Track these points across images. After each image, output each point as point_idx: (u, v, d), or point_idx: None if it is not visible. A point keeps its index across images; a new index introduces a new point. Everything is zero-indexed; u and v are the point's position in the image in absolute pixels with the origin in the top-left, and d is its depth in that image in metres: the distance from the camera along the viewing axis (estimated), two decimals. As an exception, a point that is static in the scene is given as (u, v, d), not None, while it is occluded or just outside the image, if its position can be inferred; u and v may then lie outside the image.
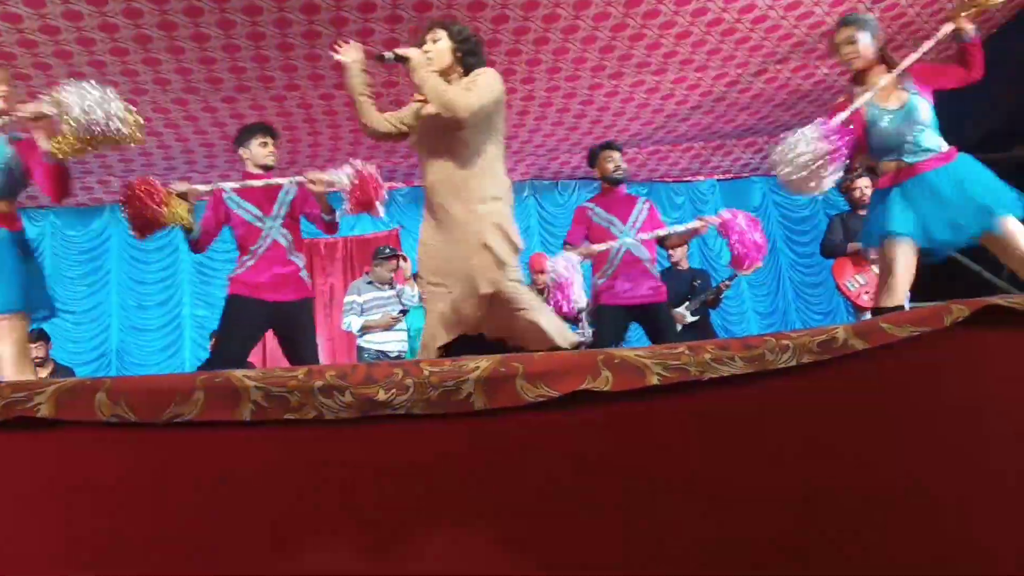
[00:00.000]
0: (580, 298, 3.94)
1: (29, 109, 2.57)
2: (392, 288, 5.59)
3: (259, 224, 3.53)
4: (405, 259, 5.77)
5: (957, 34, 2.78)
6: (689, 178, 8.00)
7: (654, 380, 1.29)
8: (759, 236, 3.96)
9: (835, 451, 1.39)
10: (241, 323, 3.51)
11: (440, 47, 2.60)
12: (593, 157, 4.33)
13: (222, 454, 1.20)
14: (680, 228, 4.22)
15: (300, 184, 3.43)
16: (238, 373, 1.23)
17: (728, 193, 8.10)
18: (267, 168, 3.64)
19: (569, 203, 7.87)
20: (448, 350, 2.53)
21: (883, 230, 2.85)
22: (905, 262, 2.80)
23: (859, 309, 4.91)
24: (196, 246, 3.57)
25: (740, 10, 4.85)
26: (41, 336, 5.34)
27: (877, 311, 2.83)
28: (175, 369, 6.36)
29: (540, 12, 4.63)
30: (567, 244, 4.27)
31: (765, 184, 8.17)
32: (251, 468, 1.21)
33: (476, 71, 2.59)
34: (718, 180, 8.13)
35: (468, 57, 2.63)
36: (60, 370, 5.43)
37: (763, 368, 1.34)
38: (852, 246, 4.85)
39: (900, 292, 2.81)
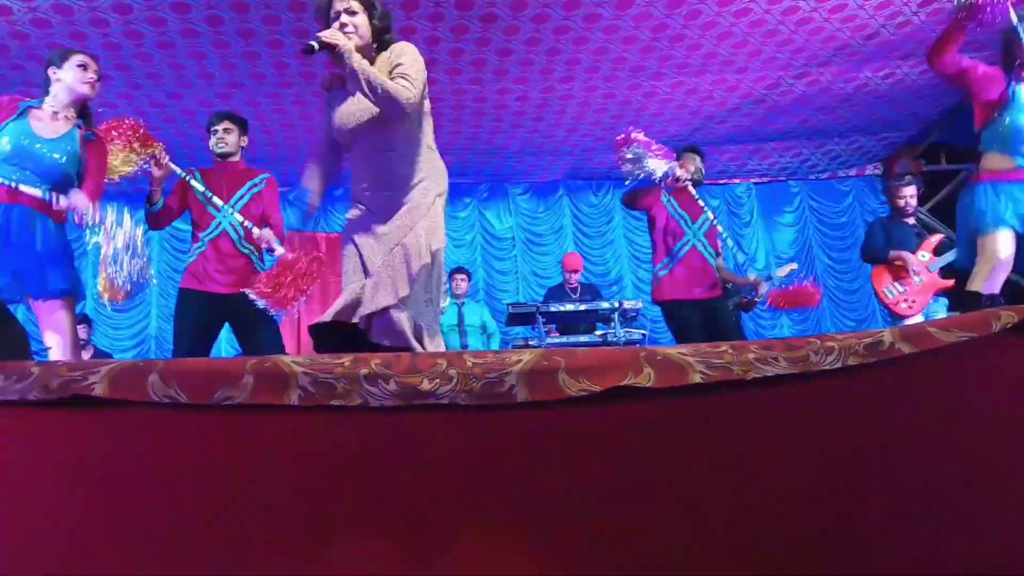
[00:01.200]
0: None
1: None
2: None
3: (213, 212, 3.48)
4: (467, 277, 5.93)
5: None
6: (725, 181, 7.93)
7: (696, 378, 1.29)
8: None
9: (881, 455, 1.37)
10: (191, 318, 3.47)
11: (358, 21, 2.37)
12: (676, 156, 4.34)
13: (269, 438, 1.23)
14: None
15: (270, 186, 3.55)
16: (286, 358, 1.25)
17: (764, 197, 8.02)
18: (223, 156, 3.60)
19: (603, 203, 7.85)
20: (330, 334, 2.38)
21: (998, 219, 2.98)
22: (1010, 253, 2.97)
23: (897, 317, 4.86)
24: (155, 220, 3.52)
25: (783, 12, 4.79)
26: (84, 320, 5.48)
27: (968, 296, 3.02)
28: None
29: (581, 12, 4.63)
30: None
31: (802, 188, 8.08)
32: (296, 453, 1.24)
33: (395, 47, 2.42)
34: (754, 183, 8.05)
35: (384, 32, 2.44)
36: (99, 354, 5.55)
37: (807, 369, 1.33)
38: (894, 253, 4.79)
39: (998, 281, 2.99)
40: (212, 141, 3.60)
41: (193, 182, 3.43)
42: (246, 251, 3.52)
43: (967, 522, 1.34)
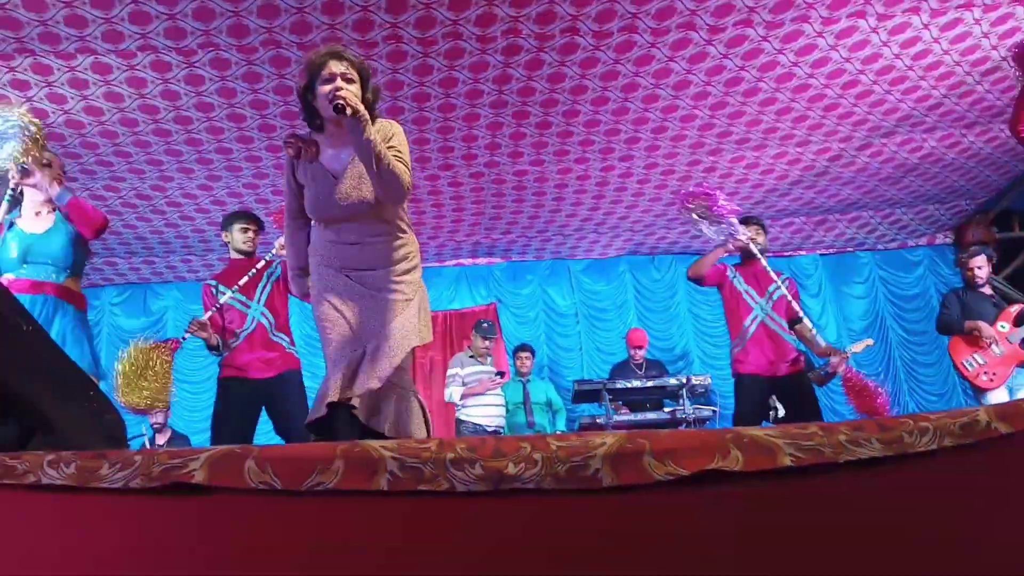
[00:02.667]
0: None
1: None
2: (491, 361, 5.68)
3: (244, 310, 3.75)
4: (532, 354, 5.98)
5: None
6: (790, 253, 7.85)
7: (786, 461, 1.26)
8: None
9: (982, 540, 1.31)
10: (234, 404, 3.70)
11: (354, 90, 2.28)
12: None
13: (360, 523, 1.24)
14: (821, 341, 4.13)
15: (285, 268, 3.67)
16: (374, 443, 1.28)
17: (832, 268, 7.89)
18: (247, 254, 3.87)
19: (665, 278, 7.83)
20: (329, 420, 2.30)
21: None
22: None
23: (978, 390, 4.67)
24: (218, 349, 3.80)
25: (843, 86, 4.82)
26: (161, 402, 5.63)
27: None
28: (279, 441, 6.57)
29: (640, 93, 4.74)
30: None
31: (871, 259, 7.92)
32: (385, 538, 1.24)
33: (383, 124, 2.37)
34: (821, 255, 7.93)
35: (371, 106, 2.35)
36: (176, 437, 5.69)
37: (902, 451, 1.29)
38: (970, 324, 4.65)
39: None
40: (240, 239, 3.87)
41: (228, 300, 3.74)
42: (277, 339, 3.80)
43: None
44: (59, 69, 4.00)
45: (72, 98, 4.27)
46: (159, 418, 5.55)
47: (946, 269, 7.81)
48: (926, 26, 4.27)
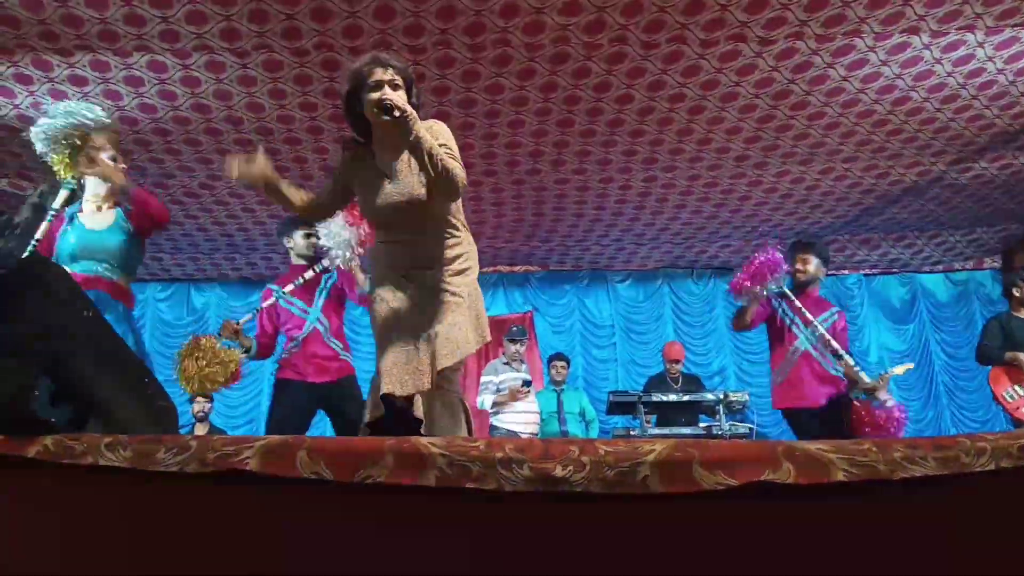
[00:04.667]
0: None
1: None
2: (525, 368, 5.68)
3: (303, 316, 3.81)
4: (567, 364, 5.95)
5: None
6: (832, 272, 7.72)
7: (840, 476, 1.24)
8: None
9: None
10: (290, 405, 3.74)
11: (402, 96, 2.28)
12: (791, 252, 4.25)
13: (406, 518, 1.25)
14: (866, 378, 3.96)
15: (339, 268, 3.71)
16: (424, 440, 1.28)
17: (875, 289, 7.76)
18: (309, 259, 3.90)
19: (704, 292, 7.77)
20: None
21: None
22: None
23: (1019, 423, 4.54)
24: (261, 355, 3.89)
25: (893, 102, 4.74)
26: (206, 395, 5.73)
27: None
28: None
29: (686, 104, 4.71)
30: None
31: (915, 281, 7.77)
32: (431, 534, 1.25)
33: (431, 125, 2.36)
34: (864, 275, 7.80)
35: (418, 111, 2.31)
36: (214, 431, 5.78)
37: (958, 470, 1.27)
38: (1010, 355, 4.52)
39: None
40: (303, 244, 3.92)
41: (286, 304, 3.82)
42: (331, 344, 3.84)
43: None
44: (116, 66, 4.09)
45: (127, 95, 4.37)
46: (205, 408, 5.65)
47: (992, 293, 7.64)
48: (981, 44, 4.18)
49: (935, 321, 7.72)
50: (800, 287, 4.13)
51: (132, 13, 3.67)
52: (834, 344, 3.94)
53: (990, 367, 4.74)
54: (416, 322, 2.33)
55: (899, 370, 4.76)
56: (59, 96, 4.33)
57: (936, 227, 6.90)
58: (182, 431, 2.93)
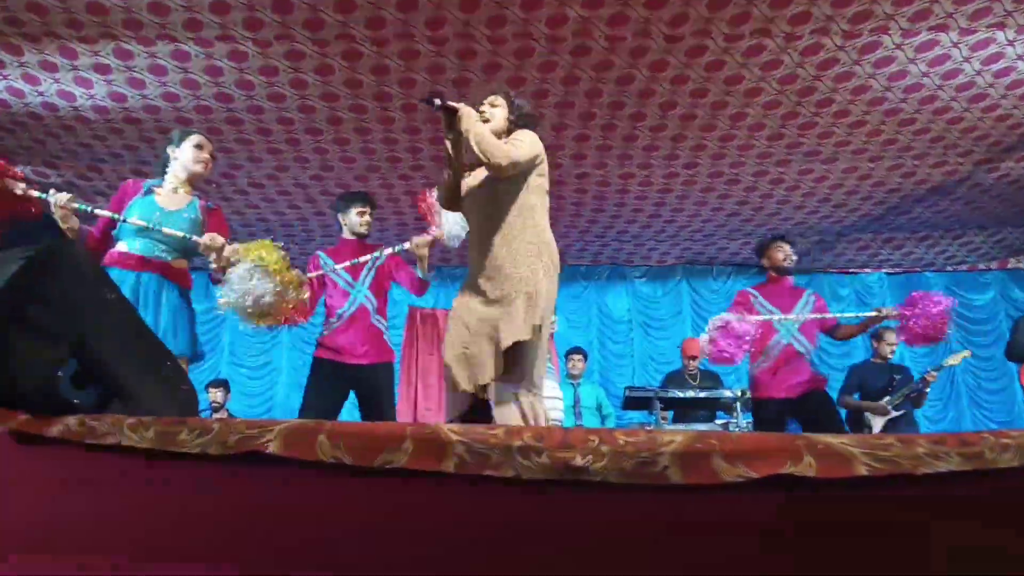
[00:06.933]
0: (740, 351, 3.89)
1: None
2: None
3: (348, 289, 3.74)
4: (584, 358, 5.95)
5: None
6: (855, 270, 7.66)
7: (862, 470, 1.23)
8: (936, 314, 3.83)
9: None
10: (324, 386, 3.70)
11: (497, 113, 2.65)
12: (762, 247, 4.31)
13: (426, 504, 1.25)
14: (851, 318, 4.11)
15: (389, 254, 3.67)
16: (444, 426, 1.28)
17: (898, 288, 7.68)
18: (361, 236, 3.87)
19: (723, 289, 7.73)
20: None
21: None
22: None
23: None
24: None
25: (920, 101, 4.68)
26: (222, 384, 5.77)
27: None
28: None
29: (709, 99, 4.67)
30: None
31: (941, 280, 7.68)
32: (450, 520, 1.25)
33: (518, 131, 2.63)
34: (887, 274, 7.72)
35: (518, 125, 2.67)
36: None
37: (983, 467, 1.25)
38: None
39: None
40: (357, 222, 3.87)
41: (335, 275, 3.76)
42: (376, 322, 3.78)
43: None
44: (140, 54, 4.13)
45: (151, 84, 4.41)
46: (219, 397, 5.68)
47: (1018, 293, 7.54)
48: (1011, 43, 4.12)
49: (959, 321, 7.61)
50: (781, 275, 4.23)
51: (157, 2, 3.70)
52: (826, 318, 4.13)
53: (1018, 365, 4.76)
54: (479, 318, 2.46)
55: (956, 359, 4.77)
56: (84, 84, 4.38)
57: (962, 227, 6.81)
58: (205, 415, 2.94)
